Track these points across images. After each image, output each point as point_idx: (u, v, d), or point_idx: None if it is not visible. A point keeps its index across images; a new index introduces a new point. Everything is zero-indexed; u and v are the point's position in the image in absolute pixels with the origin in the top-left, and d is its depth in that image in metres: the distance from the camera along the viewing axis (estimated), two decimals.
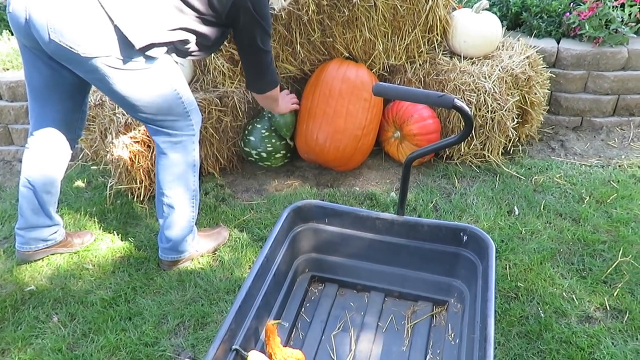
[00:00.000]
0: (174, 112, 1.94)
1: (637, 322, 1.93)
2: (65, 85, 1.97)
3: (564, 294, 2.06)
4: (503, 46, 3.01)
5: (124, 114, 2.47)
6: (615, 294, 2.05)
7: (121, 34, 1.69)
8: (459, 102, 1.37)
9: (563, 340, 1.86)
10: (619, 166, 2.92)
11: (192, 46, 1.90)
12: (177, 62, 1.98)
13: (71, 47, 1.68)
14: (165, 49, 1.83)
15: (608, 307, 2.00)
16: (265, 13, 1.95)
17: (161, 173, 2.05)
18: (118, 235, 2.46)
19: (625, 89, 3.20)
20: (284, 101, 2.58)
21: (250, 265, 2.24)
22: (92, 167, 2.98)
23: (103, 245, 2.40)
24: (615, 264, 2.19)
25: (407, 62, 2.90)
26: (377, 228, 1.76)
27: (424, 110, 2.76)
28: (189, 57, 2.00)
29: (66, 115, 2.07)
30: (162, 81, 1.86)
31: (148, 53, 1.77)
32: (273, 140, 2.73)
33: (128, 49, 1.73)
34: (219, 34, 1.95)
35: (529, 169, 2.89)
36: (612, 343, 1.85)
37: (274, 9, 2.46)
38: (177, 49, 1.90)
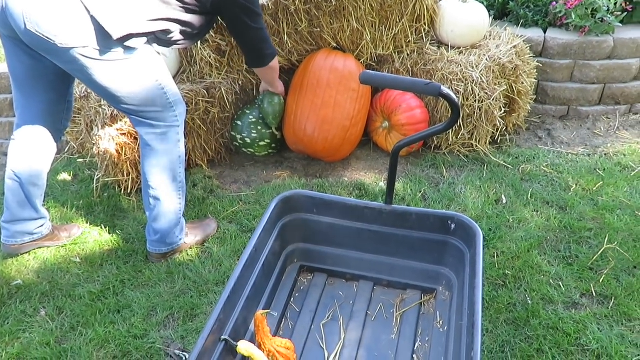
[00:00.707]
0: (156, 103, 1.92)
1: (622, 307, 1.96)
2: (49, 76, 1.95)
3: (551, 281, 2.08)
4: (490, 36, 3.02)
5: (109, 106, 2.45)
6: (601, 281, 2.08)
7: (98, 24, 1.67)
8: (445, 90, 1.37)
9: (550, 326, 1.89)
10: (605, 154, 2.95)
11: (176, 35, 1.88)
12: (160, 53, 1.95)
13: (48, 37, 1.66)
14: (145, 39, 1.80)
15: (594, 293, 2.03)
16: None
17: (146, 165, 2.04)
18: (106, 228, 2.44)
19: (611, 77, 3.23)
20: (280, 82, 2.63)
21: (239, 257, 2.24)
22: (78, 160, 2.96)
23: (90, 239, 2.38)
24: (601, 251, 2.22)
25: (394, 52, 2.89)
26: (366, 217, 1.76)
27: (412, 100, 2.77)
28: (174, 47, 1.98)
29: (51, 106, 2.04)
30: (142, 72, 1.83)
31: (127, 44, 1.75)
32: (259, 128, 2.72)
33: (106, 40, 1.70)
34: (205, 22, 1.93)
35: (516, 158, 2.91)
36: (598, 328, 1.88)
37: None
38: (159, 38, 1.87)
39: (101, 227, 2.45)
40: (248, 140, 2.75)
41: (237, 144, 2.80)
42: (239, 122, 2.74)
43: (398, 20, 2.77)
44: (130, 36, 1.73)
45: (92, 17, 1.66)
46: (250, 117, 2.72)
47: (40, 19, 1.64)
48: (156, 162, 2.02)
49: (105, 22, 1.66)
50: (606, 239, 2.28)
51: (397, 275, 1.80)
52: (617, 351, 1.78)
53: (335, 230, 1.80)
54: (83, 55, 1.71)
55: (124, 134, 2.49)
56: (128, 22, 1.71)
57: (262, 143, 2.77)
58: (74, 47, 1.68)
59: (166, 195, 2.08)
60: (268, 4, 2.53)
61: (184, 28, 1.88)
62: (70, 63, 1.75)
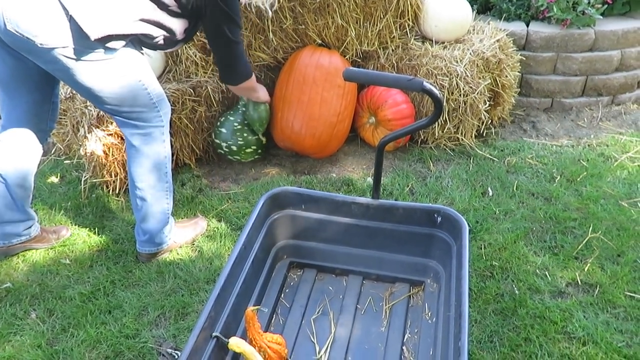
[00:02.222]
0: (140, 103, 1.91)
1: (607, 295, 2.00)
2: (33, 76, 1.94)
3: (537, 271, 2.12)
4: (474, 30, 3.05)
5: (96, 107, 2.44)
6: (586, 269, 2.12)
7: (77, 25, 1.67)
8: (428, 85, 1.39)
9: (537, 315, 1.92)
10: (589, 145, 2.99)
11: (160, 39, 1.88)
12: (144, 53, 1.95)
13: (28, 38, 1.65)
14: (124, 41, 1.80)
15: (579, 282, 2.07)
16: (232, 3, 1.92)
17: (132, 166, 2.04)
18: (94, 229, 2.44)
19: (593, 69, 3.27)
20: (263, 90, 2.57)
21: (229, 255, 2.25)
22: (65, 162, 2.94)
23: (79, 240, 2.37)
24: (586, 240, 2.26)
25: (379, 48, 2.91)
26: (353, 212, 1.78)
27: (398, 96, 2.79)
28: (159, 50, 1.98)
29: (36, 107, 2.03)
30: (125, 72, 1.83)
31: (107, 45, 1.74)
32: (245, 134, 2.69)
33: (84, 40, 1.70)
34: (189, 26, 1.91)
35: (501, 150, 2.94)
36: (584, 316, 1.92)
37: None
38: (142, 41, 1.87)
39: (90, 228, 2.44)
40: (234, 148, 2.71)
41: (223, 152, 2.76)
42: (223, 130, 2.69)
43: (382, 16, 2.78)
44: (109, 37, 1.72)
45: (70, 17, 1.66)
46: (235, 123, 2.67)
47: (20, 19, 1.63)
48: (142, 163, 2.02)
49: (83, 22, 1.66)
50: (590, 228, 2.32)
51: (385, 268, 1.82)
52: (603, 338, 1.82)
53: (324, 225, 1.82)
54: (64, 56, 1.70)
55: (111, 134, 2.48)
56: (107, 23, 1.70)
57: (248, 150, 2.73)
58: (54, 47, 1.68)
59: (153, 196, 2.08)
60: (252, 3, 2.53)
61: (166, 33, 1.86)
62: (51, 63, 1.74)
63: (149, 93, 1.92)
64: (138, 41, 1.86)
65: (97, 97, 1.85)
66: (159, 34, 1.85)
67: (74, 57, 1.71)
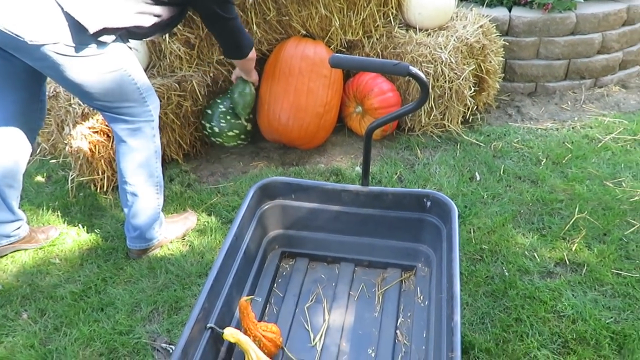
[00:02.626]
0: (129, 98, 1.90)
1: (594, 273, 2.03)
2: (19, 74, 1.92)
3: (526, 252, 2.15)
4: (457, 16, 3.06)
5: (80, 104, 2.42)
6: (573, 249, 2.15)
7: (72, 19, 1.65)
8: (413, 70, 1.40)
9: (527, 296, 1.95)
10: (573, 128, 3.03)
11: (148, 29, 1.87)
12: (131, 48, 1.93)
13: (17, 35, 1.63)
14: (114, 35, 1.78)
15: (567, 262, 2.10)
16: None
17: (122, 161, 2.03)
18: (83, 227, 2.42)
19: (576, 52, 3.31)
20: (254, 71, 2.59)
21: (220, 247, 2.24)
22: (51, 161, 2.91)
23: (69, 239, 2.36)
24: (572, 220, 2.29)
25: (364, 37, 2.91)
26: (343, 200, 1.79)
27: (384, 84, 2.80)
28: (144, 39, 1.96)
29: (23, 105, 2.01)
30: (114, 66, 1.82)
31: (100, 39, 1.73)
32: (228, 117, 2.69)
33: (80, 35, 1.68)
34: (176, 13, 1.91)
35: (487, 135, 2.97)
36: (573, 295, 1.95)
37: None
38: (132, 32, 1.86)
39: (79, 227, 2.43)
40: (216, 130, 2.72)
41: (207, 132, 2.78)
42: (209, 111, 2.72)
43: (365, 5, 2.78)
44: (104, 31, 1.71)
45: (65, 13, 1.64)
46: (221, 106, 2.69)
47: (8, 15, 1.61)
48: (132, 158, 2.01)
49: (80, 16, 1.64)
50: (576, 209, 2.35)
51: (377, 255, 1.83)
52: (591, 315, 1.85)
53: (314, 214, 1.83)
54: (55, 52, 1.69)
55: (97, 132, 2.46)
56: (103, 16, 1.69)
57: (230, 133, 2.73)
58: (44, 44, 1.66)
59: (143, 191, 2.07)
60: None
61: (155, 21, 1.85)
62: (41, 60, 1.73)
63: (138, 88, 1.91)
64: (127, 34, 1.85)
65: (87, 93, 1.84)
66: (150, 24, 1.83)
67: (65, 53, 1.70)
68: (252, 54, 2.30)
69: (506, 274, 2.05)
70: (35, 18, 1.63)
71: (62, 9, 1.64)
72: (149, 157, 2.04)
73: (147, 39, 1.99)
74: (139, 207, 2.09)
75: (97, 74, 1.79)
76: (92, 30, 1.67)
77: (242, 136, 2.79)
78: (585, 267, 2.06)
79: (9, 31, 1.63)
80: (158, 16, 1.85)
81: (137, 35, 1.89)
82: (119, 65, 1.83)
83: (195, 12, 2.05)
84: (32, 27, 1.63)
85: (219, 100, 2.72)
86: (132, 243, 2.19)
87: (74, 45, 1.70)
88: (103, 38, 1.74)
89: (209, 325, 1.44)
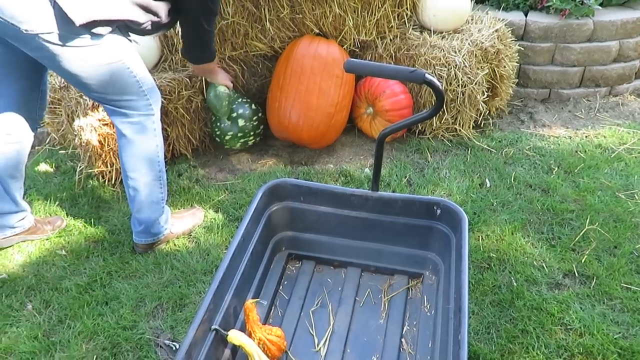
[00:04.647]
0: (128, 91, 1.89)
1: (604, 287, 2.00)
2: (20, 63, 1.91)
3: (534, 262, 2.12)
4: (472, 20, 3.03)
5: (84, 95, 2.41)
6: (583, 261, 2.12)
7: (61, 10, 1.64)
8: (429, 77, 1.38)
9: (534, 307, 1.93)
10: (586, 137, 2.99)
11: (147, 25, 1.84)
12: (132, 40, 1.91)
13: (13, 24, 1.63)
14: (110, 27, 1.77)
15: (576, 274, 2.07)
16: None
17: (123, 155, 2.02)
18: (90, 220, 2.42)
19: (591, 60, 3.26)
20: (222, 74, 2.53)
21: (226, 246, 2.24)
22: (59, 152, 2.92)
23: (75, 231, 2.36)
24: (583, 232, 2.26)
25: (377, 38, 2.89)
26: (352, 204, 1.77)
27: (396, 86, 2.77)
28: (147, 35, 1.94)
29: (24, 95, 2.00)
30: (111, 58, 1.80)
31: (94, 30, 1.71)
32: (218, 124, 2.69)
33: (69, 26, 1.67)
34: (171, 7, 1.87)
35: (499, 141, 2.94)
36: (581, 308, 1.92)
37: None
38: (130, 27, 1.83)
39: (86, 219, 2.42)
40: (220, 136, 2.71)
41: (213, 134, 2.77)
42: (212, 118, 2.71)
43: (380, 6, 2.76)
44: (95, 23, 1.69)
45: (54, 3, 1.63)
46: (211, 114, 2.69)
47: (4, 4, 1.61)
48: (133, 152, 2.01)
49: (67, 8, 1.63)
50: (587, 220, 2.32)
51: (384, 261, 1.82)
52: (599, 329, 1.83)
53: (322, 217, 1.81)
54: (49, 42, 1.68)
55: (106, 124, 2.45)
56: (91, 9, 1.67)
57: (226, 137, 2.71)
58: (39, 33, 1.65)
59: (145, 185, 2.07)
60: None
61: (153, 16, 1.82)
62: (37, 50, 1.72)
63: (138, 81, 1.89)
64: (125, 27, 1.83)
65: (84, 84, 1.83)
66: (146, 20, 1.81)
67: (60, 43, 1.69)
68: (207, 66, 2.27)
69: (514, 283, 2.03)
70: (29, 7, 1.63)
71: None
72: (150, 152, 2.03)
73: (151, 35, 1.97)
74: (142, 201, 2.09)
75: (93, 65, 1.78)
76: (78, 23, 1.65)
77: (239, 134, 2.72)
78: (595, 280, 2.04)
79: (6, 20, 1.63)
80: (153, 13, 1.82)
81: (138, 31, 1.86)
82: (116, 58, 1.81)
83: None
84: (27, 16, 1.63)
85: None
86: (137, 237, 2.19)
87: (67, 35, 1.68)
88: (97, 30, 1.72)
89: (213, 327, 1.43)
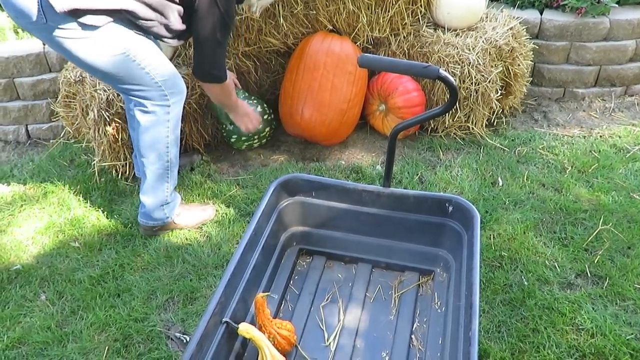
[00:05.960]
0: (138, 82, 1.92)
1: (616, 287, 1.99)
2: None
3: (546, 262, 2.11)
4: (487, 17, 3.00)
5: (105, 90, 2.43)
6: (595, 261, 2.10)
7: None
8: (443, 73, 1.37)
9: (545, 306, 1.91)
10: (600, 136, 2.96)
11: (154, 24, 1.85)
12: (141, 34, 1.92)
13: (22, 10, 1.71)
14: (108, 17, 1.78)
15: (589, 274, 2.06)
16: (227, 2, 1.86)
17: (136, 138, 2.10)
18: (103, 212, 2.44)
19: (607, 59, 3.22)
20: (244, 110, 2.39)
21: (237, 241, 2.25)
22: (74, 145, 2.95)
23: (89, 224, 2.38)
24: (596, 232, 2.24)
25: (391, 35, 2.88)
26: (364, 200, 1.77)
27: (409, 83, 2.76)
28: (166, 40, 1.96)
29: None
30: (113, 50, 1.83)
31: (82, 20, 1.74)
32: (224, 126, 2.70)
33: (53, 14, 1.71)
34: (183, 14, 1.88)
35: (512, 140, 2.92)
36: (593, 308, 1.91)
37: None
38: (134, 22, 1.84)
39: (99, 212, 2.45)
40: (223, 133, 2.73)
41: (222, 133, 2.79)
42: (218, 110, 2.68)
43: (394, 2, 2.75)
44: (78, 12, 1.71)
45: None
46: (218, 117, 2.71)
47: None
48: (143, 139, 2.06)
49: None
50: (601, 220, 2.30)
51: (395, 257, 1.82)
52: (611, 330, 1.81)
53: (334, 213, 1.82)
54: (53, 33, 1.75)
55: (121, 118, 2.47)
56: None
57: (232, 139, 2.71)
58: (37, 21, 1.72)
59: (152, 173, 2.12)
60: None
61: (160, 16, 1.84)
62: (49, 41, 1.81)
63: (148, 72, 1.91)
64: (127, 21, 1.84)
65: (94, 73, 1.94)
66: (149, 16, 1.82)
67: (56, 34, 1.76)
68: (218, 89, 2.12)
69: (525, 282, 2.01)
70: None
71: None
72: (159, 141, 2.06)
73: (172, 43, 1.99)
74: (147, 185, 2.15)
75: (96, 56, 1.83)
76: (58, 9, 1.68)
77: (243, 138, 2.70)
78: (607, 281, 2.02)
79: (20, 7, 1.71)
80: (159, 12, 1.82)
81: (145, 29, 1.87)
82: (118, 50, 1.83)
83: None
84: (29, 6, 1.70)
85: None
86: (140, 217, 2.24)
87: (53, 24, 1.73)
88: (86, 20, 1.74)
89: (224, 319, 1.44)
